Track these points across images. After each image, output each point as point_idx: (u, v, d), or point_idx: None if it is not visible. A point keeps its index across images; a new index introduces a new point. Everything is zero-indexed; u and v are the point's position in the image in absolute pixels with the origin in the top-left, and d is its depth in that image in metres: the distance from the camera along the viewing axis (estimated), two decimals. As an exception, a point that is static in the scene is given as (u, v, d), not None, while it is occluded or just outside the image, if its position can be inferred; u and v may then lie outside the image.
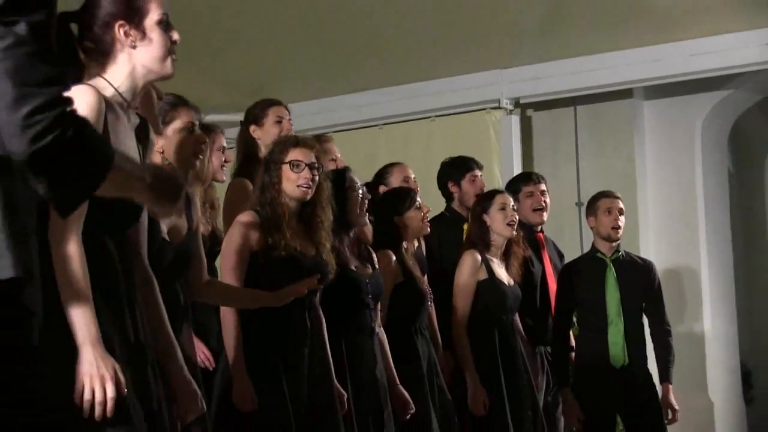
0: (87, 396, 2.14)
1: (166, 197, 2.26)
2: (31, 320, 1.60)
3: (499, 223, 4.72)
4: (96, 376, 2.16)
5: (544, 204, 5.31)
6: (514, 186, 5.42)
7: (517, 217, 4.88)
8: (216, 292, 3.32)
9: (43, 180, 1.55)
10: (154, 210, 2.51)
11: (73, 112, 1.59)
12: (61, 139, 1.52)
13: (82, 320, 2.19)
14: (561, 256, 5.57)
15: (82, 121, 1.63)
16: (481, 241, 4.73)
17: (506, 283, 4.73)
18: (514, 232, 4.80)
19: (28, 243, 1.58)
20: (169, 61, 2.47)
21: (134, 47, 2.42)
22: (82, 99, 2.22)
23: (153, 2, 2.46)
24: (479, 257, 4.67)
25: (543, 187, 5.35)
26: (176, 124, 3.13)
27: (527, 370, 4.77)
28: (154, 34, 2.44)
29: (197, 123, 3.24)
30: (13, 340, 1.52)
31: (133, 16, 2.40)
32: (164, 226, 2.92)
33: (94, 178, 1.66)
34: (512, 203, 4.85)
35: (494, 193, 4.92)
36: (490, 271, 4.67)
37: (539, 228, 5.38)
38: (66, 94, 1.58)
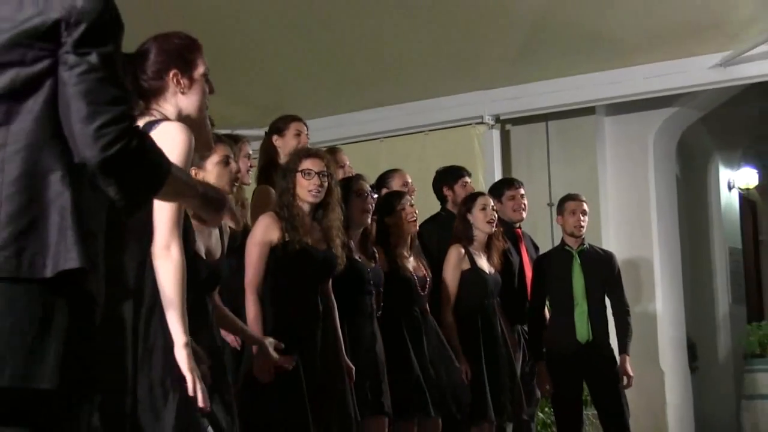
0: (191, 387, 2.27)
1: (213, 206, 2.29)
2: (94, 307, 1.61)
3: (481, 221, 4.70)
4: (194, 371, 2.27)
5: (522, 205, 5.31)
6: (498, 190, 5.40)
7: (497, 215, 4.86)
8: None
9: (111, 183, 1.57)
10: (204, 217, 2.54)
11: (136, 127, 1.63)
12: (126, 148, 1.55)
13: (178, 325, 2.31)
14: (536, 248, 5.57)
15: (143, 134, 1.67)
16: (465, 236, 4.70)
17: (487, 272, 4.70)
18: (494, 229, 4.76)
19: (94, 241, 1.58)
20: (205, 111, 2.55)
21: (183, 93, 2.47)
22: (178, 133, 2.33)
23: (200, 57, 2.51)
24: (463, 250, 4.65)
25: (521, 190, 5.34)
26: (214, 158, 3.12)
27: (506, 345, 4.74)
28: (199, 84, 2.50)
29: (232, 156, 3.25)
30: (79, 321, 1.52)
31: (185, 67, 2.46)
32: (203, 247, 2.94)
33: (154, 182, 1.69)
34: (492, 204, 4.83)
35: (476, 195, 4.89)
36: (473, 262, 4.65)
37: (518, 225, 5.38)
38: (135, 114, 1.68)
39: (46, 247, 1.49)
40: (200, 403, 2.28)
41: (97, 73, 1.55)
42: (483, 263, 4.69)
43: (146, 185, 1.66)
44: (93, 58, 1.54)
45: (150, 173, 1.65)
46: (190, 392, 2.30)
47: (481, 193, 4.97)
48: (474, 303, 4.61)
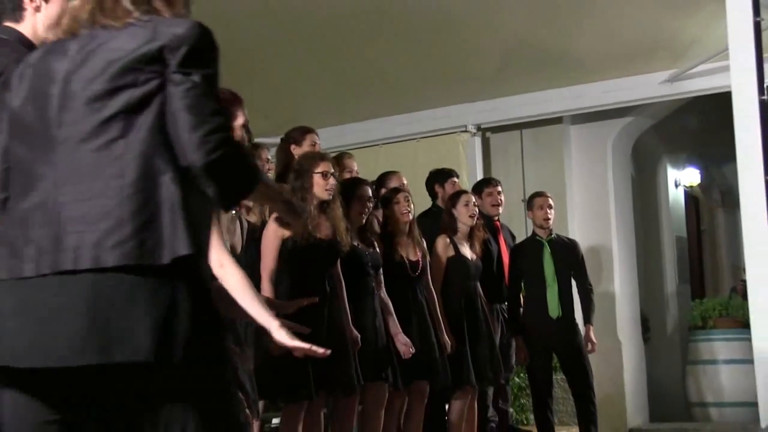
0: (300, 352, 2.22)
1: (296, 212, 2.35)
2: (208, 288, 1.62)
3: (464, 215, 4.69)
4: (296, 345, 2.19)
5: (500, 201, 5.32)
6: (479, 187, 5.40)
7: (478, 210, 4.85)
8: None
9: (212, 184, 1.57)
10: (290, 220, 2.59)
11: (234, 136, 1.69)
12: (226, 154, 1.56)
13: (263, 308, 2.25)
14: (513, 237, 5.58)
15: (239, 143, 1.71)
16: (450, 227, 4.70)
17: (470, 258, 4.68)
18: (475, 222, 4.76)
19: (201, 232, 1.59)
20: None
21: None
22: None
23: (240, 110, 2.52)
24: (448, 240, 4.64)
25: (499, 188, 5.35)
26: None
27: (486, 321, 4.72)
28: (239, 134, 2.48)
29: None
30: (199, 301, 1.52)
31: None
32: (228, 243, 2.87)
33: (248, 185, 1.68)
34: (474, 201, 4.83)
35: (461, 192, 4.90)
36: (457, 249, 4.64)
37: (496, 218, 5.38)
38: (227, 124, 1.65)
39: (162, 238, 1.50)
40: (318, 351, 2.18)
41: (198, 90, 1.55)
42: (466, 251, 4.68)
43: (241, 187, 1.66)
44: (195, 77, 1.56)
45: (244, 176, 1.65)
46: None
47: (464, 191, 4.96)
48: (458, 285, 4.58)
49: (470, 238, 4.77)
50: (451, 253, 4.62)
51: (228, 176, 1.59)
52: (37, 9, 2.08)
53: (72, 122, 1.54)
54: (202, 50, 1.58)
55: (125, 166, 1.51)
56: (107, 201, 1.49)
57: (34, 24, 2.09)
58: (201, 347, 1.50)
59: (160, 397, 1.54)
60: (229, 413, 1.61)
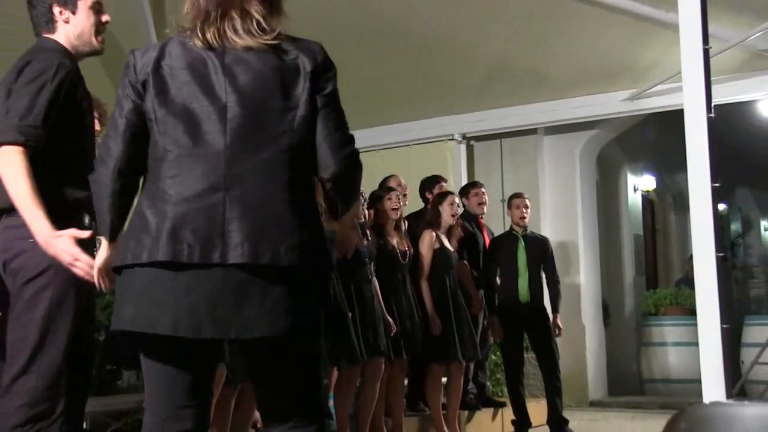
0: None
1: (351, 240, 2.60)
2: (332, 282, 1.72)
3: (447, 213, 4.68)
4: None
5: (484, 200, 5.32)
6: (465, 189, 5.41)
7: (461, 210, 4.85)
8: None
9: (338, 192, 1.60)
10: (350, 237, 2.79)
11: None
12: (358, 164, 1.61)
13: None
14: (492, 234, 5.54)
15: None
16: (434, 221, 4.67)
17: (451, 250, 4.67)
18: (455, 221, 4.76)
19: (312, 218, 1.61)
20: None
21: None
22: None
23: None
24: (434, 234, 4.62)
25: (483, 190, 5.35)
26: None
27: (467, 303, 4.69)
28: None
29: None
30: (331, 292, 1.58)
31: None
32: None
33: (356, 193, 1.71)
34: (457, 202, 4.83)
35: (447, 193, 4.89)
36: (441, 242, 4.62)
37: (481, 216, 5.37)
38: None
39: (312, 248, 1.54)
40: None
41: (338, 109, 1.59)
42: (447, 244, 4.67)
43: (354, 194, 1.68)
44: (335, 98, 1.59)
45: (357, 185, 1.67)
46: None
47: (451, 192, 4.95)
48: (442, 273, 4.57)
49: (449, 235, 4.74)
50: (437, 245, 4.60)
51: (351, 187, 1.63)
52: (66, 21, 2.16)
53: None
54: (333, 74, 1.62)
55: (290, 183, 1.58)
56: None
57: (66, 33, 2.16)
58: (321, 321, 1.58)
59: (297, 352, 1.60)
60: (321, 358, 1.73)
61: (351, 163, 1.58)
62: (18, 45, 2.21)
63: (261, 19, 1.56)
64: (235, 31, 1.55)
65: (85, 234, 1.96)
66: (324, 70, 1.59)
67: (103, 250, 1.72)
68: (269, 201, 1.51)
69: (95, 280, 1.78)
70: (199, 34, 1.56)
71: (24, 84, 1.98)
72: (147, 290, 1.50)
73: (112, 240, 1.67)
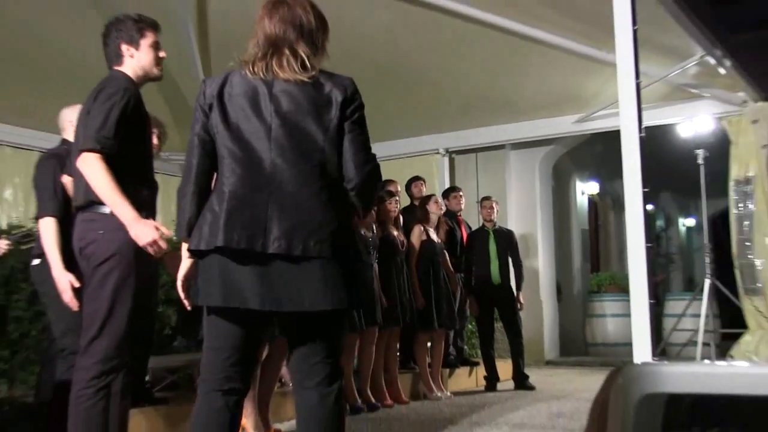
0: None
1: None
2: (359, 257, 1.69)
3: (433, 211, 4.67)
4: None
5: (461, 202, 5.31)
6: (447, 192, 5.41)
7: (445, 208, 4.85)
8: None
9: (359, 200, 1.59)
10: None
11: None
12: (374, 172, 1.61)
13: None
14: (469, 228, 5.54)
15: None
16: (424, 218, 4.64)
17: (437, 242, 4.65)
18: (441, 217, 4.76)
19: (354, 233, 1.65)
20: None
21: None
22: None
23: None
24: (422, 228, 4.59)
25: (461, 193, 5.36)
26: None
27: (447, 284, 4.65)
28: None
29: None
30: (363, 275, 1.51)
31: None
32: None
33: (374, 199, 1.71)
34: (441, 202, 4.83)
35: (431, 195, 4.89)
36: (428, 235, 4.60)
37: (459, 214, 5.35)
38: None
39: (339, 243, 1.53)
40: None
41: (363, 133, 1.59)
42: (434, 236, 4.65)
43: (372, 201, 1.69)
44: (360, 124, 1.59)
45: (375, 194, 1.69)
46: None
47: (434, 194, 4.95)
48: (428, 260, 4.55)
49: (437, 228, 4.73)
50: (424, 237, 4.58)
51: (371, 193, 1.63)
52: (132, 56, 2.16)
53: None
54: (360, 104, 1.64)
55: (323, 188, 1.57)
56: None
57: (131, 66, 2.16)
58: (346, 303, 1.56)
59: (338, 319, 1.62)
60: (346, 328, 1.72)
61: (370, 178, 1.58)
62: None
63: (306, 59, 1.57)
64: (281, 67, 1.56)
65: (164, 230, 1.97)
66: (352, 101, 1.59)
67: (185, 263, 1.66)
68: (302, 204, 1.51)
69: (179, 287, 1.68)
70: (253, 68, 1.58)
71: (99, 105, 2.00)
72: (227, 271, 1.51)
73: (188, 234, 1.61)
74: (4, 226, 4.65)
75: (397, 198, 4.40)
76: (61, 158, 2.52)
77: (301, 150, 1.53)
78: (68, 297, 2.29)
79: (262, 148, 1.53)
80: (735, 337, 5.34)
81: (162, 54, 2.19)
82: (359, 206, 1.62)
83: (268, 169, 1.52)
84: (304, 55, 1.58)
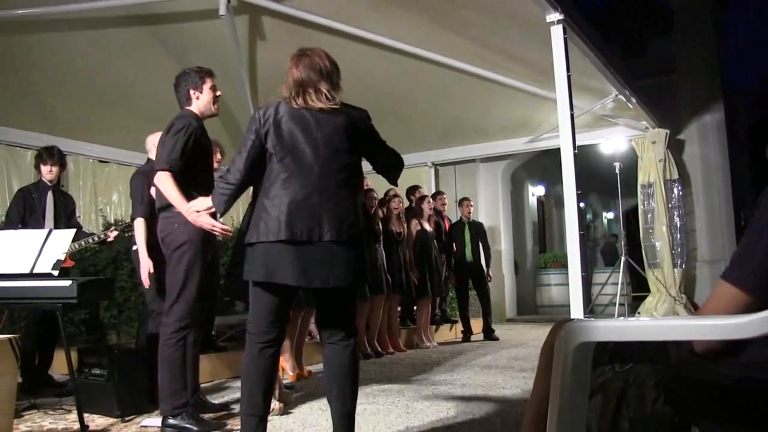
0: None
1: None
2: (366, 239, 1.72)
3: (426, 209, 4.67)
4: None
5: (446, 202, 5.26)
6: (434, 195, 5.32)
7: (434, 206, 4.81)
8: None
9: (395, 177, 1.69)
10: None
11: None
12: (400, 166, 1.71)
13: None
14: (450, 221, 5.47)
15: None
16: (418, 214, 4.62)
17: (429, 231, 4.61)
18: (430, 213, 4.72)
19: (359, 212, 1.61)
20: None
21: None
22: None
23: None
24: (417, 221, 4.56)
25: (445, 196, 5.30)
26: None
27: (437, 262, 4.63)
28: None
29: None
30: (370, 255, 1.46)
31: None
32: None
33: (398, 177, 1.77)
34: (432, 202, 4.80)
35: (425, 196, 4.85)
36: (422, 226, 4.56)
37: (444, 211, 5.30)
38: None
39: (361, 230, 1.56)
40: None
41: (382, 141, 1.65)
42: (427, 227, 4.60)
43: (397, 178, 1.74)
44: (378, 137, 1.64)
45: (401, 169, 1.74)
46: None
47: (426, 196, 4.90)
48: (422, 244, 4.51)
49: (428, 220, 4.69)
50: (419, 228, 4.55)
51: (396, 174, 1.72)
52: (197, 98, 2.18)
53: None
54: (373, 126, 1.66)
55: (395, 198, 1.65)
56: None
57: (197, 105, 2.19)
58: (365, 277, 1.59)
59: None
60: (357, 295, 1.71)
61: (397, 163, 1.69)
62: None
63: (327, 92, 1.59)
64: (313, 100, 1.58)
65: (217, 224, 1.98)
66: (371, 128, 1.64)
67: (206, 218, 1.76)
68: (341, 204, 1.54)
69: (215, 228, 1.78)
70: (294, 102, 1.59)
71: (170, 137, 2.04)
72: (276, 256, 1.51)
73: (222, 214, 1.70)
74: (112, 221, 4.94)
75: (400, 198, 4.38)
76: (147, 174, 2.57)
77: (337, 163, 1.55)
78: (144, 276, 2.39)
79: (312, 163, 1.54)
80: (641, 299, 5.50)
81: (219, 93, 2.19)
82: (393, 180, 1.72)
83: (317, 179, 1.54)
84: (325, 90, 1.60)
